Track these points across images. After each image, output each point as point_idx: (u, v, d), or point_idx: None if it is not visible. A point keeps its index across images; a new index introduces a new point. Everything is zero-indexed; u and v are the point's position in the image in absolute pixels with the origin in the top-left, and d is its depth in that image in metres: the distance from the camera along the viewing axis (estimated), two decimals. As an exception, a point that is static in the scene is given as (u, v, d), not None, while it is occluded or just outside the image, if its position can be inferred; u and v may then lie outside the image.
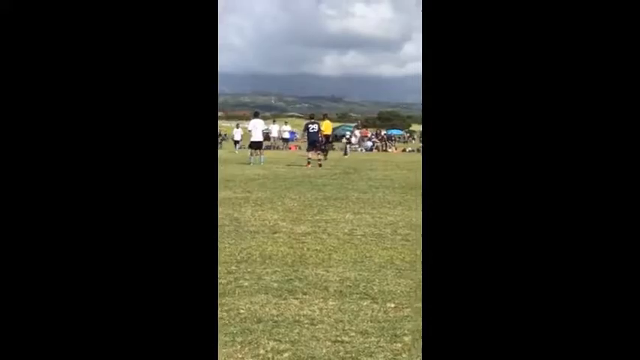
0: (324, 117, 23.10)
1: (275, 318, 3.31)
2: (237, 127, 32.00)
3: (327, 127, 21.65)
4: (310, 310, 3.45)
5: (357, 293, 3.78)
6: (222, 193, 8.31)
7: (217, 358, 1.40)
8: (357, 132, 21.68)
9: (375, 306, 3.52)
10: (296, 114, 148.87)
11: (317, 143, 18.54)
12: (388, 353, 2.82)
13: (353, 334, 3.05)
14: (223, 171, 12.61)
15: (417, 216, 7.01)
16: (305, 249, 5.16)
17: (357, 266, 4.50)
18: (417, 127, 75.84)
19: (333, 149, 27.41)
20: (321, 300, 3.65)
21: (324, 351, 2.85)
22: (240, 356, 2.80)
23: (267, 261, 4.69)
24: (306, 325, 3.19)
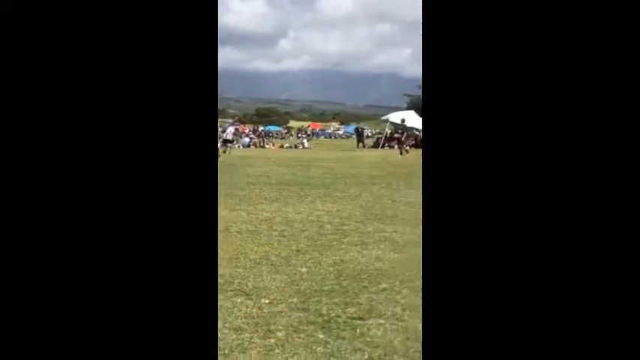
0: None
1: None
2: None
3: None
4: (183, 309, 3.37)
5: (231, 290, 3.74)
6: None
7: (217, 358, 1.42)
8: (231, 128, 21.48)
9: (249, 302, 3.52)
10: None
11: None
12: (262, 349, 2.83)
13: (226, 330, 3.03)
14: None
15: (292, 212, 7.10)
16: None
17: (232, 263, 4.46)
18: (295, 124, 76.52)
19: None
20: (195, 298, 3.58)
21: (196, 350, 2.79)
22: None
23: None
24: (179, 325, 3.12)
